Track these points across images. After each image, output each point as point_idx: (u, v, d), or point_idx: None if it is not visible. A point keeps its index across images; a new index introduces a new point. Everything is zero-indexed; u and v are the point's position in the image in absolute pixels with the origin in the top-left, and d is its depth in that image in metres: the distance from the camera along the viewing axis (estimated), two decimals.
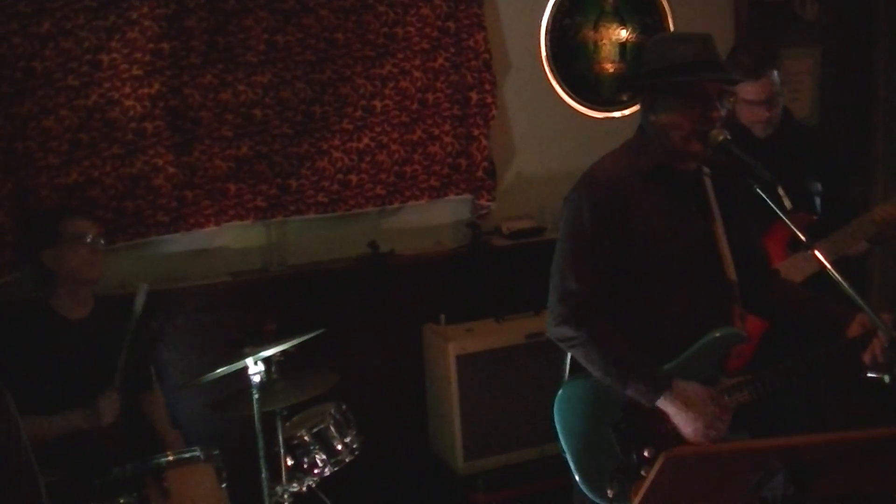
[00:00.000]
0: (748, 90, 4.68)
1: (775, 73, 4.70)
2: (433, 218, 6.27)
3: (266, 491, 4.47)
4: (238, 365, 4.37)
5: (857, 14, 7.80)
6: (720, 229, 3.77)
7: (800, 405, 4.73)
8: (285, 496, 4.70)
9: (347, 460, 4.95)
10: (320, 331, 4.70)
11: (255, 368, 4.34)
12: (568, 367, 3.88)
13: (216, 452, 4.51)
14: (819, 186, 4.77)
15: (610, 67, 6.60)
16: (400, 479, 5.93)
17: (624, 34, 6.60)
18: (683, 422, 3.57)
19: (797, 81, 7.58)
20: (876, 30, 7.94)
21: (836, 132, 7.74)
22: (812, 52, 7.62)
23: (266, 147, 5.71)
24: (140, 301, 4.64)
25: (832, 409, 5.08)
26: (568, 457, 3.76)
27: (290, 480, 4.75)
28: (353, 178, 5.91)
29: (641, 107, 3.79)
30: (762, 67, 4.69)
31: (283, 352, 4.61)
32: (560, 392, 3.81)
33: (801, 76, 7.60)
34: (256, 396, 4.35)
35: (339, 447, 4.93)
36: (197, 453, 4.42)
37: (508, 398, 5.73)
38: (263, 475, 4.45)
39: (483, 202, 6.21)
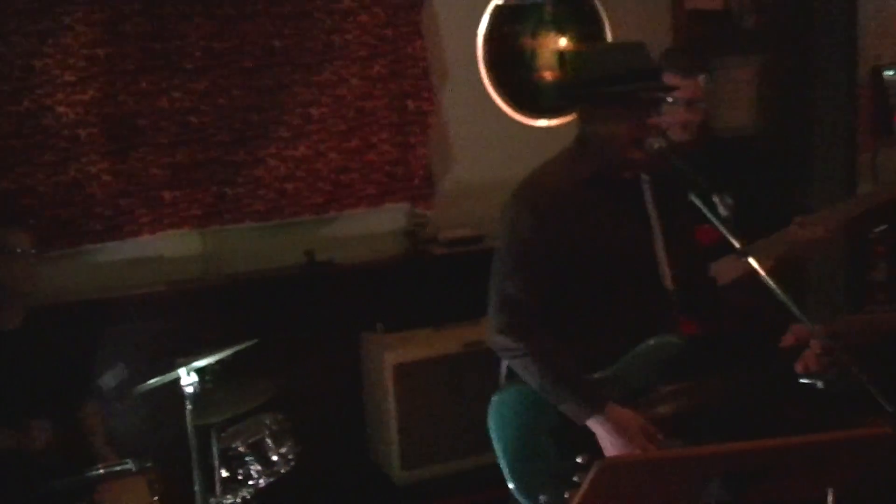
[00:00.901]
0: (674, 81, 4.70)
1: (702, 78, 4.72)
2: (371, 226, 6.26)
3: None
4: (171, 376, 4.34)
5: (796, 23, 7.87)
6: (658, 236, 3.80)
7: (736, 412, 4.77)
8: None
9: (283, 471, 4.92)
10: (253, 341, 4.69)
11: (188, 379, 4.31)
12: (504, 373, 3.88)
13: (149, 465, 4.49)
14: (732, 200, 4.80)
15: (548, 76, 6.63)
16: (338, 490, 5.91)
17: (562, 43, 6.64)
18: (611, 445, 3.58)
19: (737, 90, 7.65)
20: (814, 38, 8.02)
21: (775, 140, 7.82)
22: (751, 61, 7.69)
23: (203, 155, 5.69)
24: (114, 379, 4.63)
25: (769, 415, 5.13)
26: (502, 464, 3.75)
27: (224, 492, 4.71)
28: (291, 186, 5.91)
29: (578, 116, 3.81)
30: (692, 69, 4.72)
31: (218, 362, 4.60)
32: (495, 398, 3.79)
33: (741, 85, 7.67)
34: (190, 408, 4.33)
35: (276, 458, 4.89)
36: (129, 466, 4.39)
37: (447, 407, 5.73)
38: (196, 487, 4.44)
39: (420, 210, 6.24)
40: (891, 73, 7.92)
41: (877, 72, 7.93)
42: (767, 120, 7.81)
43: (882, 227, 7.30)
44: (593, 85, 3.66)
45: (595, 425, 3.58)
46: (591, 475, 2.61)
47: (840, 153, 7.92)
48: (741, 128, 7.61)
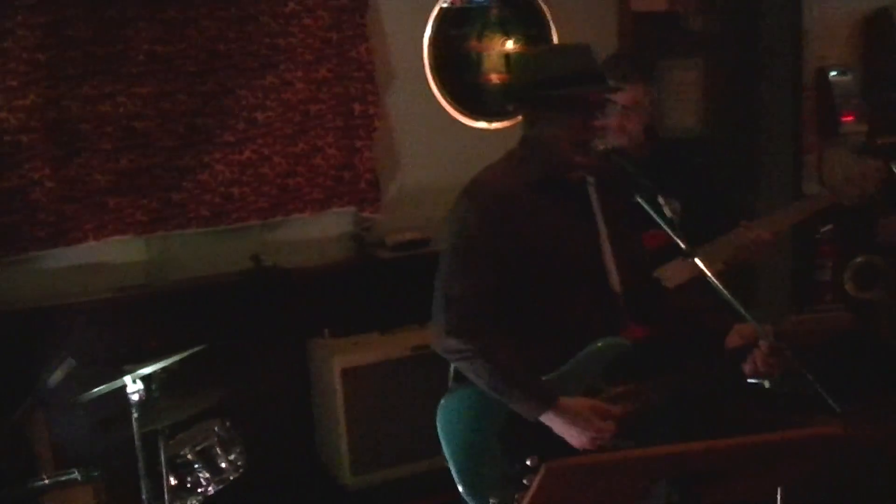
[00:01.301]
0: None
1: (642, 87, 4.74)
2: (317, 231, 6.26)
3: None
4: (117, 383, 4.33)
5: (743, 25, 7.93)
6: (605, 238, 3.81)
7: (685, 413, 4.80)
8: None
9: (232, 478, 4.92)
10: (199, 347, 4.68)
11: (133, 387, 4.30)
12: (451, 376, 3.88)
13: (95, 474, 4.47)
14: (678, 205, 4.83)
15: (494, 78, 6.65)
16: (288, 495, 5.91)
17: (508, 45, 6.66)
18: (570, 436, 3.60)
19: (683, 92, 7.69)
20: (760, 40, 8.08)
21: (722, 142, 7.87)
22: (697, 63, 7.73)
23: (147, 160, 5.66)
24: (62, 374, 4.60)
25: (718, 415, 5.16)
26: (451, 467, 3.76)
27: (173, 500, 4.69)
28: (236, 191, 5.89)
29: (524, 119, 3.81)
30: (630, 76, 4.75)
31: (164, 369, 4.58)
32: (443, 402, 3.80)
33: (687, 87, 7.71)
34: (136, 415, 4.31)
35: (224, 465, 4.89)
36: (75, 475, 4.38)
37: (396, 411, 5.73)
38: (144, 495, 4.42)
39: (367, 214, 6.24)
40: (835, 74, 7.99)
41: (822, 73, 8.00)
42: (713, 122, 7.86)
43: (827, 227, 7.35)
44: (537, 88, 3.67)
45: (549, 420, 3.59)
46: (538, 478, 2.63)
47: (786, 154, 7.98)
48: (687, 130, 7.66)
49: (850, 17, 8.17)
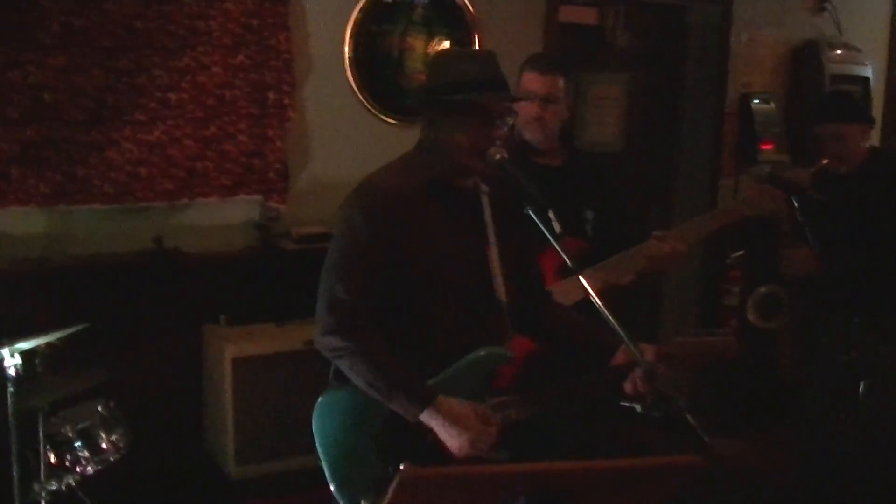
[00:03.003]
0: (530, 78, 4.79)
1: (562, 81, 4.78)
2: (223, 217, 6.24)
3: (16, 489, 4.42)
4: None
5: (667, 43, 8.04)
6: (494, 249, 3.82)
7: (569, 429, 4.86)
8: (43, 494, 4.65)
9: (113, 459, 4.92)
10: (83, 325, 4.68)
11: (10, 361, 4.29)
12: (332, 374, 3.89)
13: None
14: (592, 214, 4.90)
15: (415, 78, 6.67)
16: (170, 482, 5.88)
17: (430, 45, 6.70)
18: (448, 437, 3.62)
19: (605, 107, 7.78)
20: (686, 61, 8.19)
21: (640, 160, 7.97)
22: (621, 78, 7.83)
23: (54, 132, 5.62)
24: None
25: (591, 433, 5.23)
26: (324, 465, 3.79)
27: (49, 478, 4.69)
28: (143, 170, 5.87)
29: (423, 121, 3.82)
30: (553, 67, 4.81)
31: (49, 345, 4.58)
32: (320, 400, 3.82)
33: (610, 102, 7.80)
34: (12, 390, 4.31)
35: (105, 445, 4.89)
36: None
37: (285, 404, 5.71)
38: (15, 472, 4.41)
39: (273, 204, 6.24)
40: (758, 101, 8.12)
41: (745, 99, 8.13)
42: (633, 139, 7.96)
43: (738, 253, 7.47)
44: (440, 91, 3.71)
45: (429, 419, 3.61)
46: (393, 485, 2.65)
47: (703, 177, 8.11)
48: (607, 143, 7.75)
49: (778, 47, 8.33)
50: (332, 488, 3.78)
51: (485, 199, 3.87)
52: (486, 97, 3.64)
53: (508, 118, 3.74)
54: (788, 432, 7.13)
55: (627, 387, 3.72)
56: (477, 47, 6.73)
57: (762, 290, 6.74)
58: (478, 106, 3.64)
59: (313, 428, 3.83)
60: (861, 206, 5.65)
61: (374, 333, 3.68)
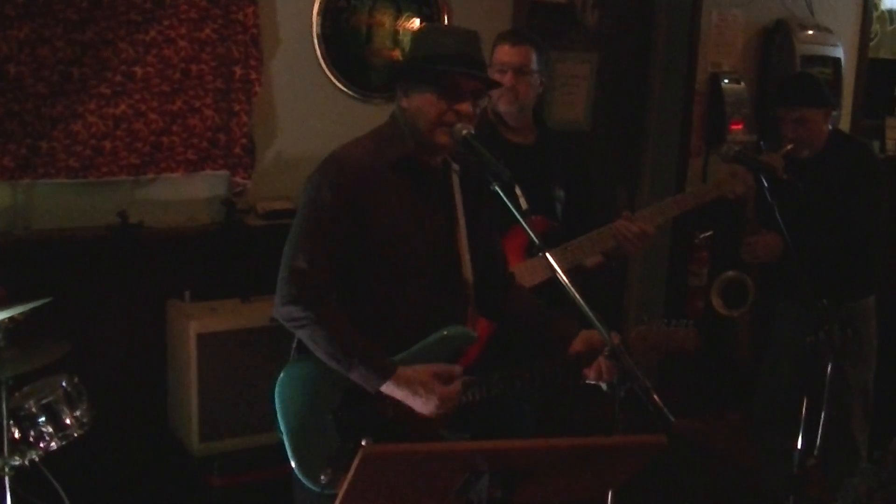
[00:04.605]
0: (504, 50, 4.86)
1: (535, 54, 4.83)
2: (188, 192, 6.25)
3: None
4: None
5: (636, 22, 8.08)
6: (461, 228, 3.88)
7: (528, 410, 4.92)
8: (6, 469, 4.68)
9: (76, 434, 4.92)
10: (47, 300, 4.69)
11: None
12: (294, 348, 3.93)
13: None
14: (562, 193, 4.95)
15: (383, 54, 6.69)
16: (133, 458, 5.93)
17: (398, 22, 6.71)
18: (416, 405, 3.69)
19: (574, 85, 7.81)
20: (655, 41, 8.24)
21: (607, 138, 8.01)
22: (591, 57, 7.87)
23: (18, 105, 5.60)
24: None
25: (569, 416, 5.29)
26: (285, 440, 3.82)
27: (12, 453, 4.71)
28: (108, 144, 5.86)
29: (397, 93, 3.85)
30: (524, 39, 4.88)
31: (11, 319, 4.59)
32: (282, 374, 3.84)
33: (578, 80, 7.83)
34: None
35: (69, 421, 4.88)
36: None
37: (249, 381, 5.73)
38: None
39: (239, 180, 6.24)
40: (728, 81, 8.17)
41: (715, 79, 8.17)
42: (601, 118, 8.00)
43: (707, 234, 7.50)
44: (415, 62, 3.78)
45: (390, 390, 3.67)
46: (355, 463, 2.69)
47: (671, 157, 8.16)
48: (574, 123, 7.79)
49: (748, 26, 8.36)
50: (292, 464, 3.81)
51: (455, 179, 3.92)
52: (457, 71, 3.68)
53: (479, 100, 3.78)
54: (743, 416, 7.24)
55: (589, 373, 3.80)
56: (446, 23, 6.73)
57: (729, 274, 6.74)
58: (448, 79, 3.68)
59: (275, 401, 3.85)
60: (823, 189, 5.72)
61: (334, 304, 3.72)
